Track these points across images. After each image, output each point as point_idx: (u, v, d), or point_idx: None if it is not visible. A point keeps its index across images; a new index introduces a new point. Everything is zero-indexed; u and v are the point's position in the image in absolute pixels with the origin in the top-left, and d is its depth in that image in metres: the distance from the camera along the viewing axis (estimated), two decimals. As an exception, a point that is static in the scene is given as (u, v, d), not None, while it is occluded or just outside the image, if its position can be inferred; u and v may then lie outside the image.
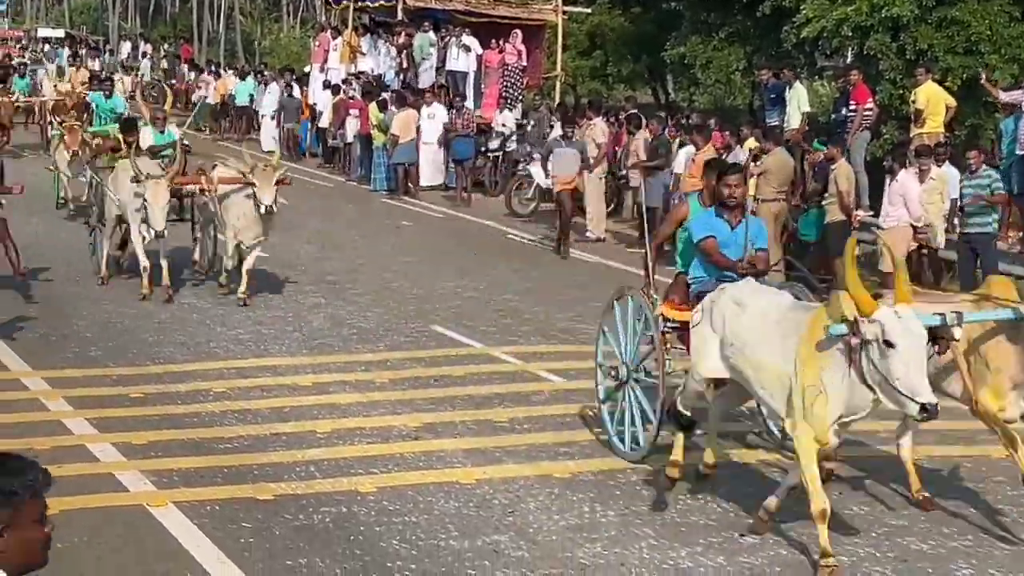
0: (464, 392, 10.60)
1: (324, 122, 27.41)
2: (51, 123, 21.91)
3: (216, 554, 7.07)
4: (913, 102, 16.86)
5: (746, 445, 9.25)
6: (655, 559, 7.19)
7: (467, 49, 25.58)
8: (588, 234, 19.18)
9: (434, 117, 23.64)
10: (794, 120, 18.62)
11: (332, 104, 26.55)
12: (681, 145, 18.17)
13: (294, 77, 30.35)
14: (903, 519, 7.90)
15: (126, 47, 46.89)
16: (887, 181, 15.00)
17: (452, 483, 8.35)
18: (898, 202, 14.42)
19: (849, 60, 22.10)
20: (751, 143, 16.95)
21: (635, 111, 21.63)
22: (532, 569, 7.02)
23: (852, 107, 17.54)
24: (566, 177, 18.25)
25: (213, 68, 36.01)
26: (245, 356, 11.64)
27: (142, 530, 7.44)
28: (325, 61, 28.94)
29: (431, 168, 24.11)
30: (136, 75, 34.46)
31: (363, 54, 28.68)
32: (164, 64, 41.94)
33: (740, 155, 16.37)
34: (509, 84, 25.43)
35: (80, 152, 18.08)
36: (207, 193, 13.88)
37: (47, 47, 47.19)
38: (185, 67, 39.64)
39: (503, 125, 24.19)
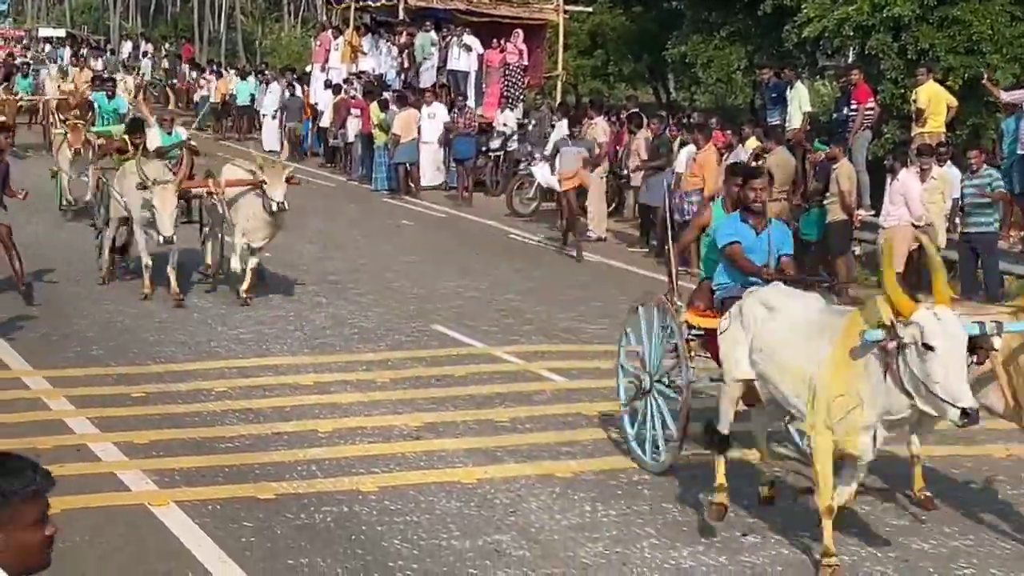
0: (466, 392, 10.59)
1: (325, 122, 27.38)
2: (54, 123, 21.85)
3: (218, 553, 7.07)
4: (914, 101, 16.85)
5: (747, 445, 9.23)
6: (657, 558, 7.19)
7: (468, 49, 25.56)
8: (589, 233, 19.16)
9: (435, 117, 23.63)
10: (795, 119, 18.63)
11: (333, 104, 26.54)
12: (682, 144, 18.15)
13: (295, 77, 30.35)
14: (904, 519, 7.90)
15: (127, 47, 46.79)
16: (888, 180, 15.02)
17: (454, 483, 8.34)
18: (899, 201, 14.43)
19: (850, 59, 22.12)
20: (752, 142, 16.94)
21: (636, 110, 21.66)
22: (534, 569, 7.02)
23: (853, 106, 17.55)
24: (569, 173, 18.25)
25: (214, 67, 36.01)
26: (246, 355, 11.63)
27: (144, 529, 7.44)
28: (326, 61, 28.91)
29: (432, 168, 24.10)
30: (138, 75, 34.38)
31: (364, 54, 28.66)
32: (165, 64, 41.90)
33: (741, 155, 16.38)
34: (510, 83, 25.43)
35: (83, 151, 18.04)
36: (215, 196, 13.88)
37: (48, 47, 47.15)
38: (186, 67, 39.61)
39: (504, 125, 24.18)
